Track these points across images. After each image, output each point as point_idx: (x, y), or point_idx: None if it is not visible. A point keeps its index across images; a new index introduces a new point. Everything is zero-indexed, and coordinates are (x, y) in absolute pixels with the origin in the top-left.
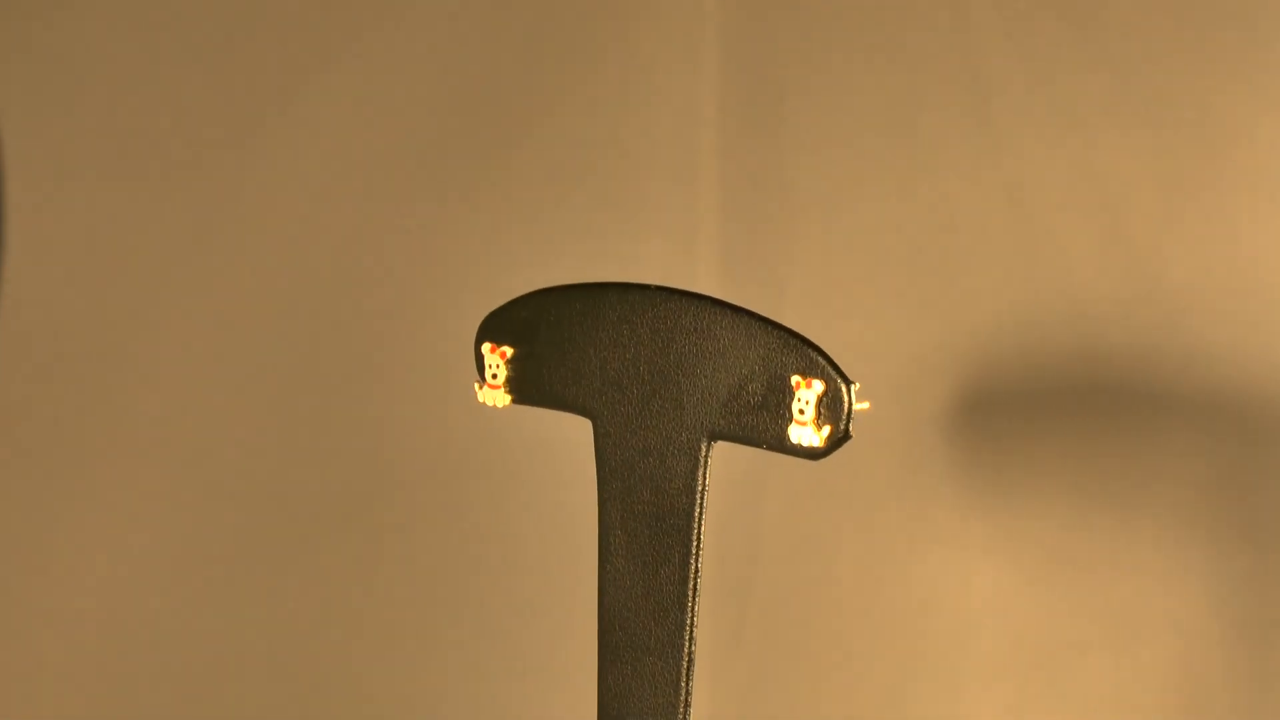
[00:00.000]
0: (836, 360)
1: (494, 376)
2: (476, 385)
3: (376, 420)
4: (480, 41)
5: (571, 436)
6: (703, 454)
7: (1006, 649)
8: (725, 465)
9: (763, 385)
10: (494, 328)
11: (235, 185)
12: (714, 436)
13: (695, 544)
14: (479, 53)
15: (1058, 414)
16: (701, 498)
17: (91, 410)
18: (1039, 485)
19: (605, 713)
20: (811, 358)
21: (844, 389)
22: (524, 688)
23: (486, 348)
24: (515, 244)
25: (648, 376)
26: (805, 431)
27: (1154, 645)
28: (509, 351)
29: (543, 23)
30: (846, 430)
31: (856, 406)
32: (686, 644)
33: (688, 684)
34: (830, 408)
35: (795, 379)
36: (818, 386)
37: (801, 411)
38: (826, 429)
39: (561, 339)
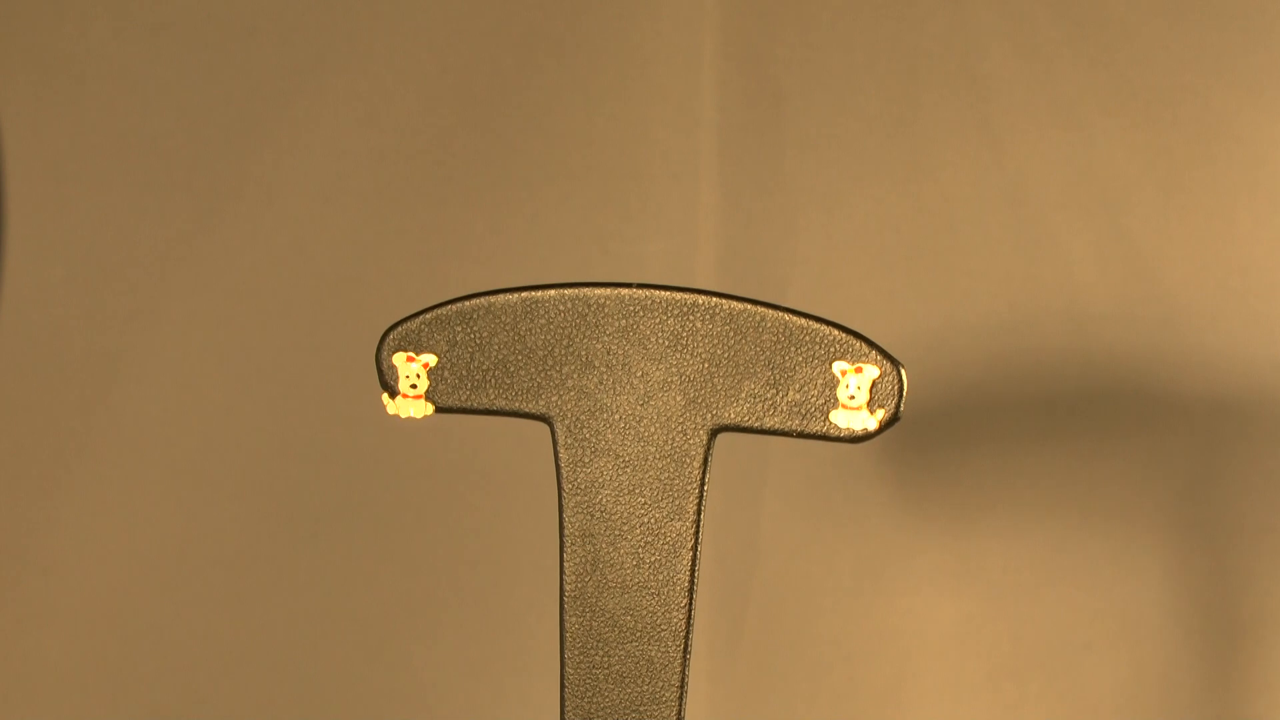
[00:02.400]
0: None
1: (413, 387)
2: (386, 397)
3: (375, 420)
4: (480, 42)
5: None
6: (707, 447)
7: (1006, 648)
8: (724, 466)
9: (793, 375)
10: (410, 337)
11: (235, 186)
12: (722, 429)
13: (697, 534)
14: (478, 53)
15: (1057, 412)
16: (704, 489)
17: (91, 410)
18: (1039, 485)
19: (573, 713)
20: (859, 346)
21: (899, 373)
22: (518, 686)
23: (401, 358)
24: (516, 244)
25: (637, 376)
26: (857, 416)
27: (1158, 644)
28: (431, 360)
29: (542, 23)
30: (898, 412)
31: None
32: (686, 635)
33: (685, 679)
34: (884, 392)
35: (841, 366)
36: (871, 372)
37: (852, 398)
38: (880, 412)
39: (510, 345)
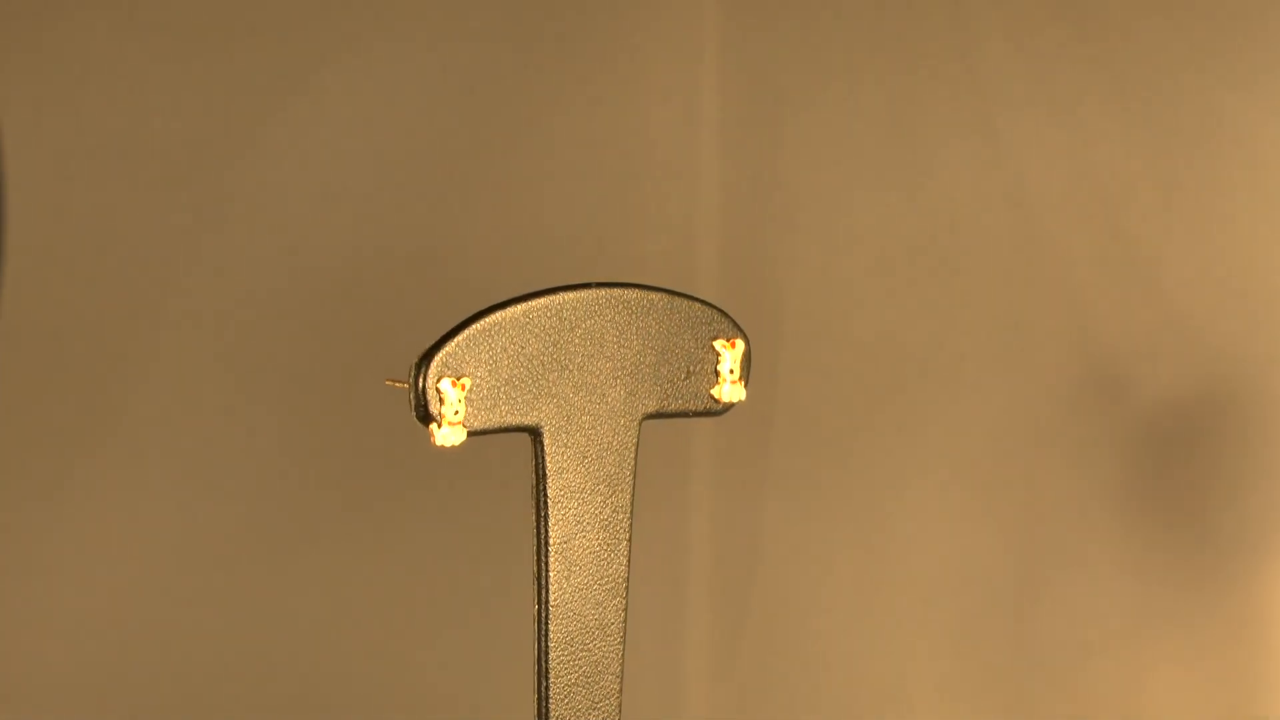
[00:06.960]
0: (838, 359)
1: (455, 414)
2: (434, 428)
3: (375, 420)
4: (480, 42)
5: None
6: (638, 439)
7: (1007, 647)
8: (723, 465)
9: (687, 356)
10: (451, 360)
11: (235, 185)
12: (647, 418)
13: (632, 526)
14: (479, 53)
15: (1057, 412)
16: (636, 479)
17: (91, 410)
18: (1038, 484)
19: (555, 713)
20: (730, 322)
21: (749, 344)
22: (519, 684)
23: (448, 384)
24: (516, 245)
25: (594, 375)
26: (735, 389)
27: (1158, 644)
28: (468, 383)
29: (543, 23)
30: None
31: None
32: (624, 627)
33: (623, 672)
34: (748, 364)
35: (720, 343)
36: (741, 346)
37: (732, 371)
38: (743, 383)
39: (520, 357)
